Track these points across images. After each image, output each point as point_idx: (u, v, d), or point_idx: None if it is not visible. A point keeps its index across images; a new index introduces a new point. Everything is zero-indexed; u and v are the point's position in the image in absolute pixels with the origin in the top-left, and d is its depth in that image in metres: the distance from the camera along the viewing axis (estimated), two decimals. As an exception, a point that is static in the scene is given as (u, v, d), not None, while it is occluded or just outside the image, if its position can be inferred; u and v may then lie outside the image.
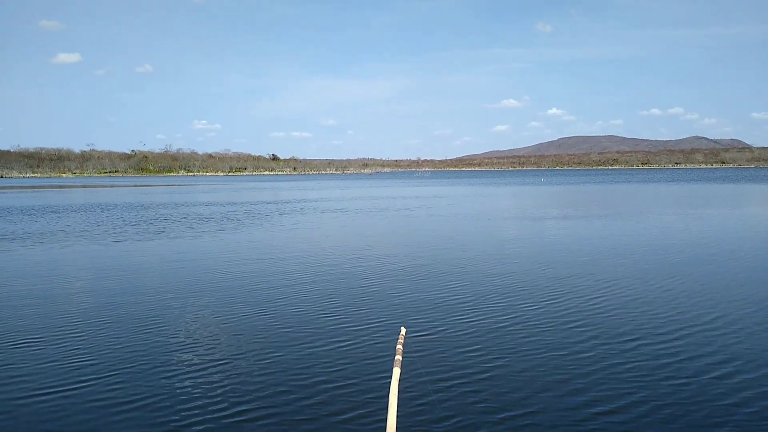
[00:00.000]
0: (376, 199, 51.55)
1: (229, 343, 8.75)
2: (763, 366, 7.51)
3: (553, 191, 66.12)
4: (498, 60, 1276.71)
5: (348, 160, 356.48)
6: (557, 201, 47.43)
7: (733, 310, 10.34)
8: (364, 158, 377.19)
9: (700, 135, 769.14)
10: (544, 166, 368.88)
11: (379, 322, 9.82)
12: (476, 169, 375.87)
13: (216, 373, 7.51)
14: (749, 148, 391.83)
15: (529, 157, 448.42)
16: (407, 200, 48.63)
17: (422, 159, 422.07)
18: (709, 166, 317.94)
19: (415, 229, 25.37)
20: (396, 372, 3.21)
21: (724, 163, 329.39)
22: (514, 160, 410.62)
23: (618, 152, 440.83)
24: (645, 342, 8.54)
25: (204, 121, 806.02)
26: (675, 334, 8.89)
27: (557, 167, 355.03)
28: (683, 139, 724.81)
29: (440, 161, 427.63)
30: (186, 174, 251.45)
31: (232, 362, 7.90)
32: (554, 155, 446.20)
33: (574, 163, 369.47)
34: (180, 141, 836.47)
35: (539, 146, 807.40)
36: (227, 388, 6.99)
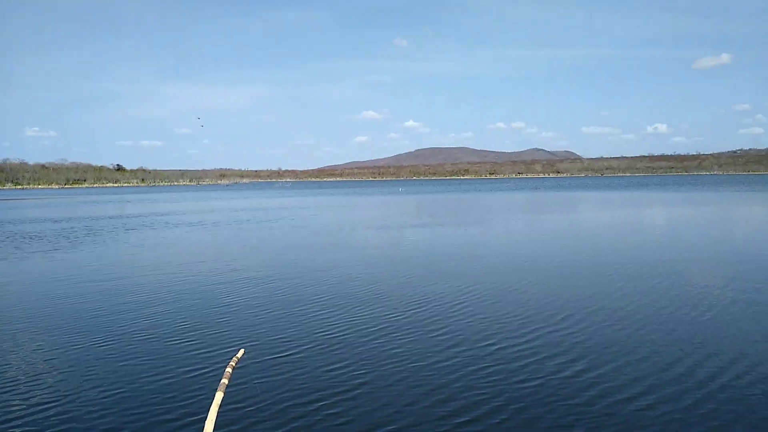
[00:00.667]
0: (235, 211, 49.57)
1: (55, 379, 7.56)
2: (606, 361, 8.04)
3: (411, 200, 68.54)
4: (359, 72, 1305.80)
5: (204, 171, 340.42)
6: (415, 210, 49.16)
7: (578, 309, 11.09)
8: (221, 168, 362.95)
9: (539, 147, 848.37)
10: (402, 176, 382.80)
11: (228, 344, 9.14)
12: (338, 179, 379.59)
13: (39, 414, 6.41)
14: (580, 159, 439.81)
15: (389, 167, 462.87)
16: (269, 211, 47.41)
17: (283, 169, 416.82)
18: (546, 175, 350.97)
19: (278, 242, 24.63)
20: (218, 397, 2.79)
21: (559, 172, 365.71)
22: (374, 171, 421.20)
23: (469, 163, 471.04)
24: (502, 345, 8.80)
25: (36, 128, 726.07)
26: (529, 336, 9.29)
27: (414, 177, 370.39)
28: (525, 150, 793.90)
29: (302, 171, 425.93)
30: (13, 187, 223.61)
31: (58, 401, 6.80)
32: (411, 166, 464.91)
33: (430, 174, 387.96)
34: (7, 150, 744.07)
35: (398, 157, 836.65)
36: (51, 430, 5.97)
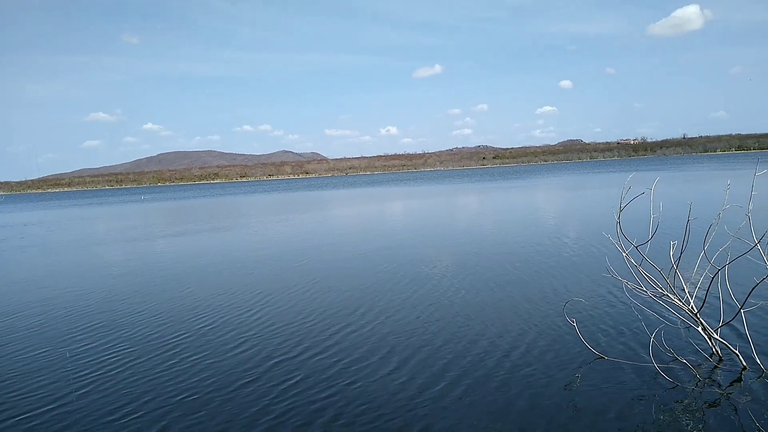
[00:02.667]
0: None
1: None
2: (412, 354, 8.24)
3: (159, 208, 63.95)
4: (82, 69, 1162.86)
5: None
6: (166, 218, 46.04)
7: (369, 302, 11.25)
8: None
9: (287, 149, 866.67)
10: (145, 183, 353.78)
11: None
12: (66, 189, 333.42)
13: None
14: (326, 160, 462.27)
15: (128, 174, 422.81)
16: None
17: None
18: (296, 176, 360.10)
19: (8, 266, 20.69)
20: None
21: (308, 173, 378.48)
22: (110, 178, 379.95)
23: (218, 167, 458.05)
24: (312, 353, 8.47)
25: None
26: (334, 339, 9.11)
27: (159, 183, 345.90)
28: (273, 153, 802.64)
29: (18, 183, 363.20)
30: None
31: None
32: (155, 171, 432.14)
33: (176, 179, 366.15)
34: None
35: (138, 162, 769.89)
36: None
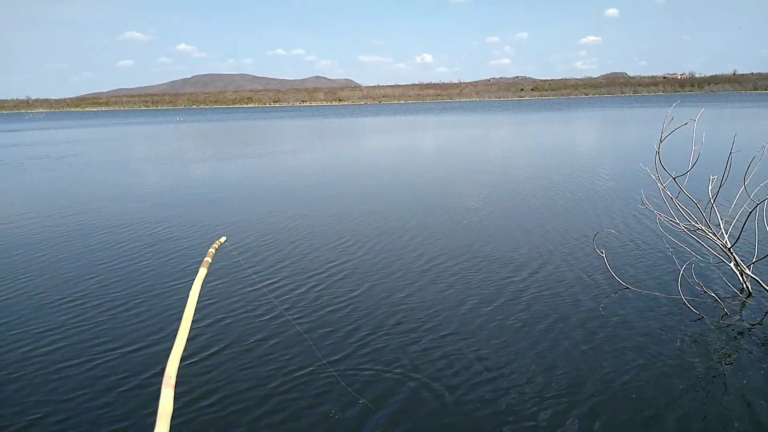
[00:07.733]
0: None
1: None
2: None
3: (192, 130, 64.73)
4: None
5: None
6: (209, 140, 46.73)
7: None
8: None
9: (320, 75, 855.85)
10: (180, 105, 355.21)
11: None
12: (103, 109, 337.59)
13: None
14: (360, 87, 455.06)
15: (163, 95, 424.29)
16: (37, 147, 40.80)
17: (33, 98, 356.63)
18: (329, 103, 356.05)
19: (89, 182, 21.56)
20: (202, 272, 2.94)
21: (341, 100, 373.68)
22: (146, 99, 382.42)
23: (252, 90, 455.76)
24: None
25: None
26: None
27: (194, 106, 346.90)
28: (306, 78, 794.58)
29: (57, 101, 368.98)
30: None
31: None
32: (190, 93, 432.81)
33: (211, 102, 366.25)
34: None
35: (173, 84, 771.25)
36: None
